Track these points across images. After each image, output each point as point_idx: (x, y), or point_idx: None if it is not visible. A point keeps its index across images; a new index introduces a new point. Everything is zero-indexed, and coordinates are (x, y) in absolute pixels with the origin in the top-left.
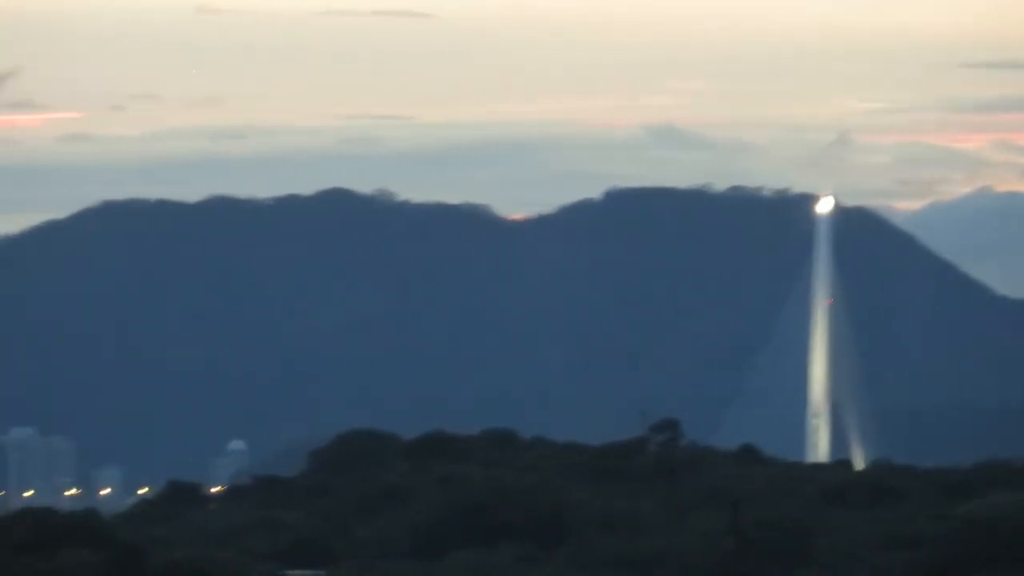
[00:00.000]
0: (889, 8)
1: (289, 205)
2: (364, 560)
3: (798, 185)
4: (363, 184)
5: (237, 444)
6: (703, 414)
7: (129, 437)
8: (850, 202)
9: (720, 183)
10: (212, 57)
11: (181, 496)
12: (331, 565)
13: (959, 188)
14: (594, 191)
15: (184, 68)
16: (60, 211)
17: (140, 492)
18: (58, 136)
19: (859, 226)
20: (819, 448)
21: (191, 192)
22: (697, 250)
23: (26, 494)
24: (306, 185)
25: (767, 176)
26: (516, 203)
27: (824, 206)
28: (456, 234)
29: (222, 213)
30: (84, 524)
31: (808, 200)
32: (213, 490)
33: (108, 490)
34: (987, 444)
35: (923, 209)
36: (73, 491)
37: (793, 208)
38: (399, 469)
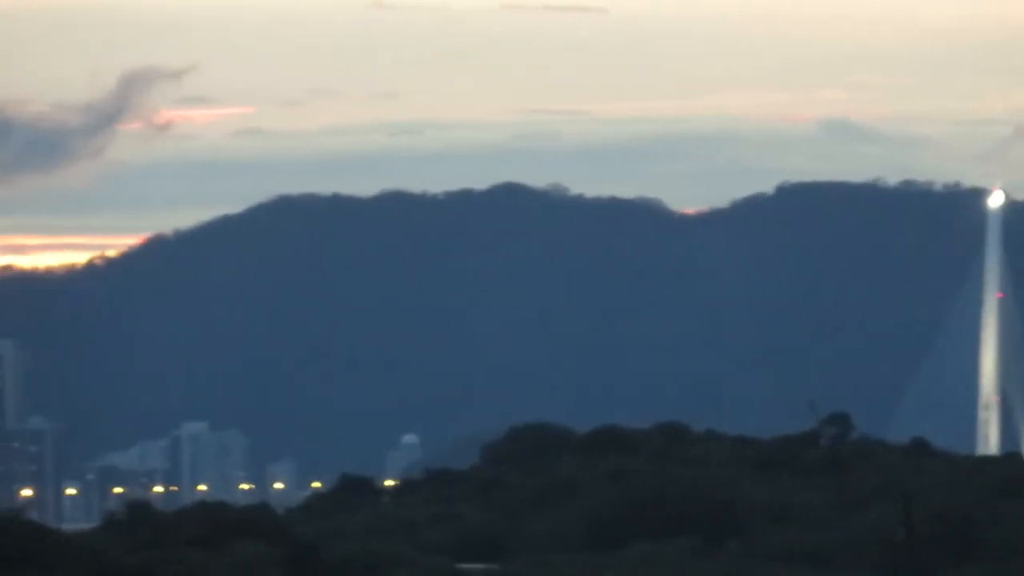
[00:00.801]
0: None
1: (463, 200)
2: (537, 554)
3: (970, 179)
4: (537, 179)
5: (410, 438)
6: (874, 407)
7: (302, 431)
8: (1022, 196)
9: (892, 177)
10: (387, 52)
11: (354, 490)
12: (504, 559)
13: None
14: (767, 185)
15: (359, 63)
16: (234, 206)
17: (313, 486)
18: (232, 131)
19: None
20: (989, 441)
21: (366, 187)
22: (868, 244)
23: (199, 488)
24: (480, 180)
25: (939, 170)
26: (689, 197)
27: (995, 200)
28: (629, 228)
29: (396, 208)
30: (257, 518)
31: (980, 194)
32: (386, 484)
33: (281, 484)
34: None
35: None
36: (246, 485)
37: (964, 202)
38: (571, 463)
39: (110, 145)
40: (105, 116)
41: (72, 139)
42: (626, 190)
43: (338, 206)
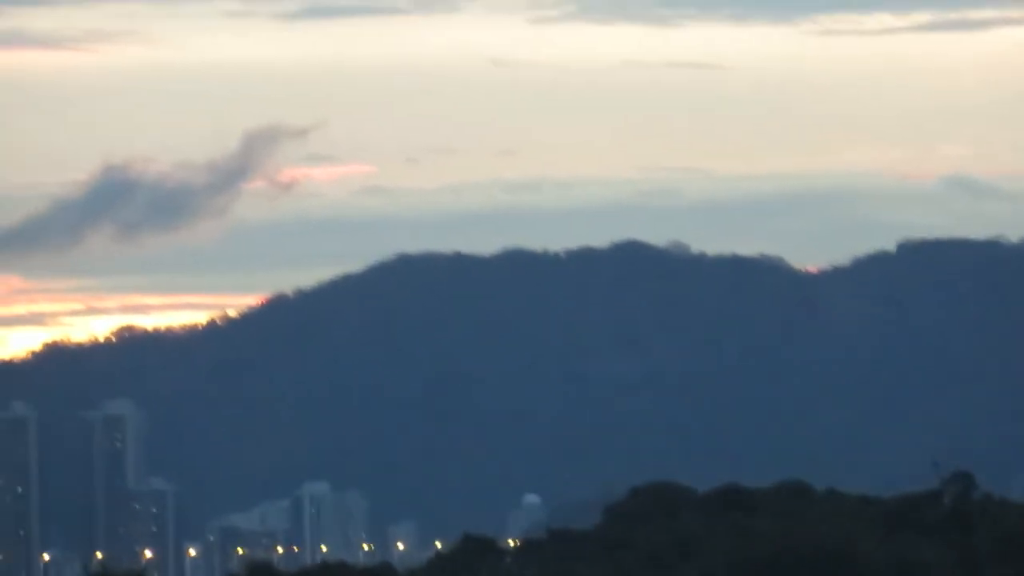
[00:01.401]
0: None
1: (584, 257)
2: None
3: None
4: (658, 236)
5: (532, 497)
6: (998, 465)
7: (423, 491)
8: None
9: (1014, 234)
10: (507, 109)
11: (476, 550)
12: None
13: None
14: (888, 242)
15: (479, 120)
16: (355, 264)
17: (435, 546)
18: (354, 189)
19: None
20: None
21: (486, 245)
22: (990, 301)
23: (321, 549)
24: (601, 237)
25: None
26: (811, 254)
27: None
28: (751, 285)
29: (517, 266)
30: None
31: None
32: (508, 544)
33: (402, 545)
34: None
35: None
36: (367, 546)
37: None
38: (693, 522)
39: (233, 204)
40: (229, 175)
41: (195, 198)
42: (747, 247)
43: (459, 264)
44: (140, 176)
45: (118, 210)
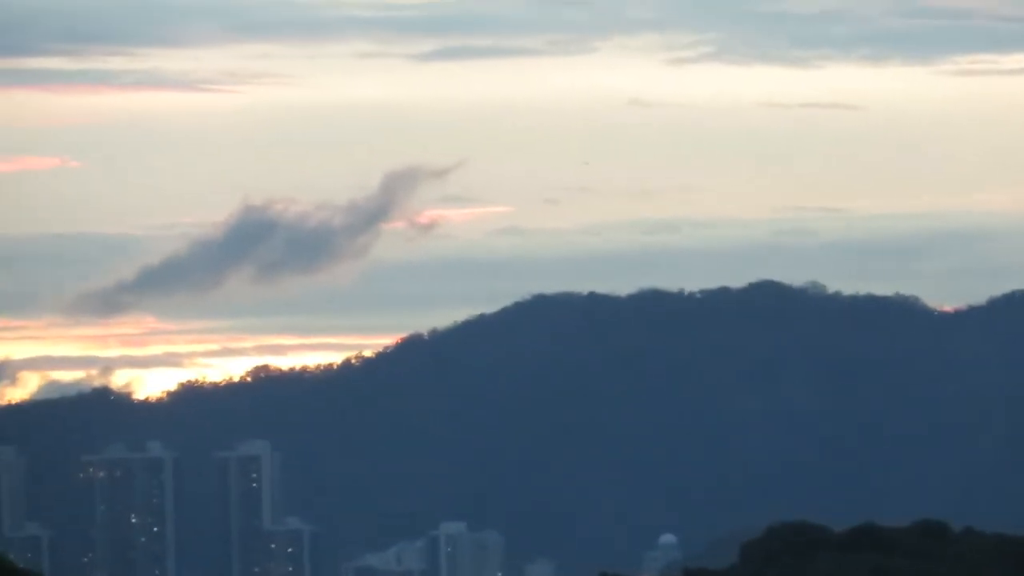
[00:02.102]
0: None
1: (720, 298)
2: None
3: None
4: (794, 276)
5: (668, 537)
6: None
7: (559, 530)
8: None
9: None
10: (644, 149)
11: None
12: None
13: None
14: None
15: (617, 160)
16: (490, 305)
17: None
18: (491, 230)
19: None
20: None
21: (622, 285)
22: None
23: None
24: (737, 278)
25: None
26: (946, 294)
27: None
28: (886, 325)
29: (653, 306)
30: None
31: None
32: None
33: None
34: None
35: None
36: None
37: None
38: (830, 562)
39: (373, 245)
40: (369, 215)
41: (335, 239)
42: (883, 287)
43: (594, 305)
44: (280, 216)
45: (257, 250)
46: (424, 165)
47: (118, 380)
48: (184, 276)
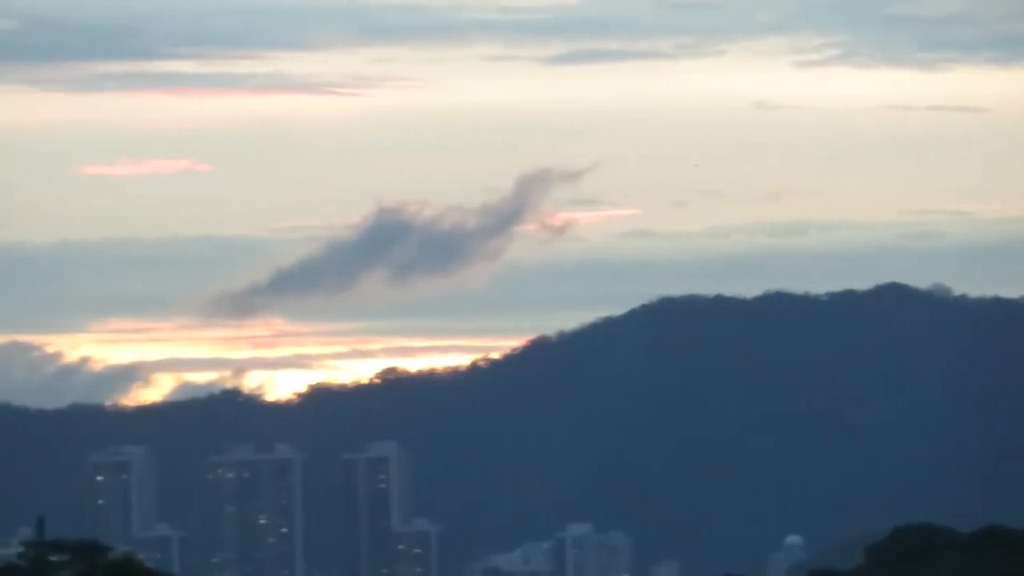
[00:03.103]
0: None
1: (845, 300)
2: None
3: None
4: (920, 279)
5: (794, 539)
6: None
7: (685, 532)
8: None
9: None
10: (772, 152)
11: None
12: None
13: None
14: None
15: (744, 163)
16: (618, 307)
17: None
18: (620, 232)
19: None
20: None
21: (749, 288)
22: None
23: None
24: (863, 280)
25: None
26: None
27: None
28: (1013, 327)
29: (778, 309)
30: None
31: None
32: None
33: None
34: None
35: None
36: None
37: None
38: (956, 564)
39: (506, 247)
40: (502, 218)
41: (467, 241)
42: (1010, 290)
43: (720, 307)
44: (413, 219)
45: (391, 253)
46: (557, 168)
47: (250, 382)
48: (317, 278)
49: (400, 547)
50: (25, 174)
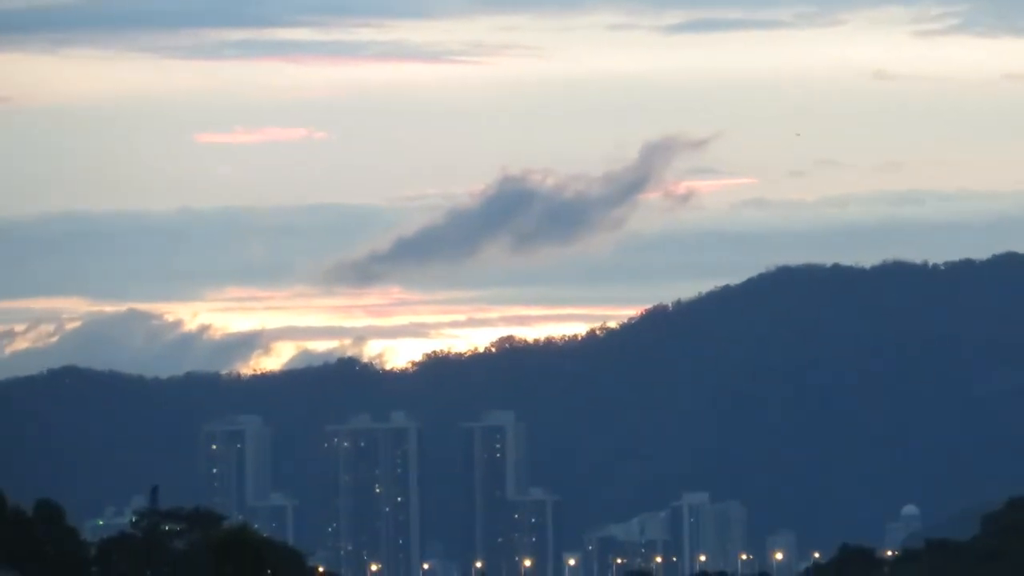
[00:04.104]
0: None
1: (963, 269)
2: None
3: None
4: None
5: (910, 508)
6: None
7: (801, 502)
8: None
9: None
10: (890, 122)
11: (853, 561)
12: None
13: None
14: None
15: (863, 134)
16: (735, 277)
17: (813, 556)
18: (737, 201)
19: None
20: None
21: (866, 257)
22: None
23: (699, 559)
24: (982, 250)
25: None
26: None
27: None
28: None
29: (895, 278)
30: None
31: None
32: (886, 555)
33: (780, 555)
34: None
35: None
36: (745, 556)
37: None
38: None
39: (629, 216)
40: (625, 187)
41: (591, 209)
42: None
43: (837, 276)
44: (538, 187)
45: (514, 221)
46: (681, 136)
47: (370, 351)
48: (439, 247)
49: (516, 516)
50: (145, 142)
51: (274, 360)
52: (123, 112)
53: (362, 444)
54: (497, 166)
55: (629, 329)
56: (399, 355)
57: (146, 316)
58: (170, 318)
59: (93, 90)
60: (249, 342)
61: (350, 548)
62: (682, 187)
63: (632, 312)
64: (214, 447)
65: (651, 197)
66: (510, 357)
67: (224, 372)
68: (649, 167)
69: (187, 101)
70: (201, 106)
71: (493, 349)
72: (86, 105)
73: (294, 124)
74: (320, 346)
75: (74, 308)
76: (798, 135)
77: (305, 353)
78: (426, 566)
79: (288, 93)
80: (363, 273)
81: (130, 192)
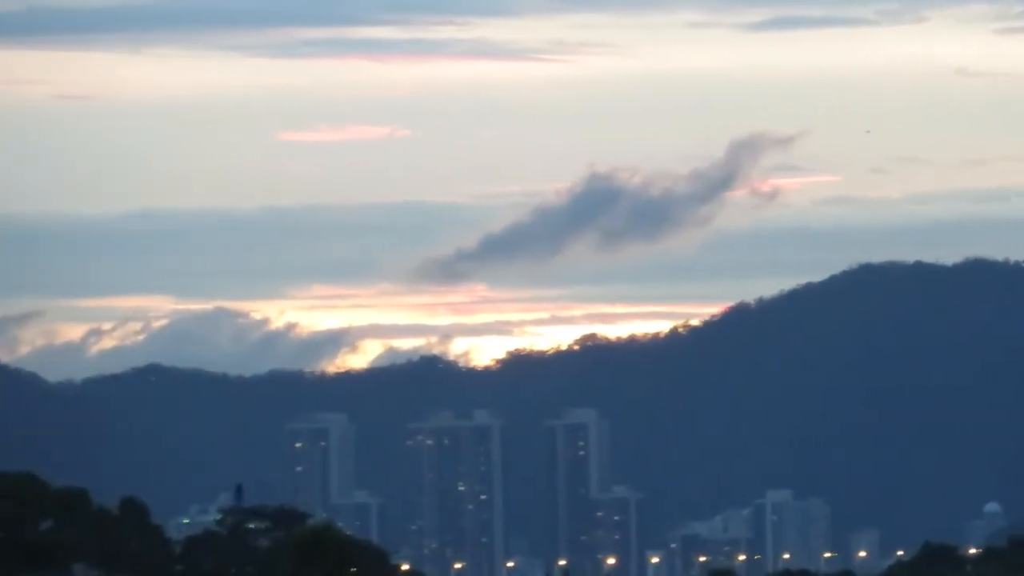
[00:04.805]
0: None
1: None
2: None
3: None
4: None
5: (993, 506)
6: None
7: (885, 500)
8: None
9: None
10: (973, 119)
11: (936, 559)
12: None
13: None
14: None
15: (946, 130)
16: (817, 274)
17: (897, 555)
18: (819, 199)
19: None
20: None
21: (949, 254)
22: None
23: (783, 557)
24: None
25: None
26: None
27: None
28: None
29: (978, 276)
30: None
31: None
32: (969, 552)
33: (864, 553)
34: None
35: None
36: (829, 554)
37: None
38: None
39: (717, 214)
40: (712, 184)
41: (677, 207)
42: None
43: (920, 274)
44: (625, 185)
45: (601, 219)
46: (768, 133)
47: (455, 349)
48: (525, 245)
49: (599, 514)
50: (228, 140)
51: (360, 358)
52: (206, 111)
53: (445, 442)
54: (582, 164)
55: (711, 327)
56: (483, 353)
57: (233, 314)
58: (257, 316)
59: (175, 89)
60: (335, 340)
61: (434, 546)
62: (768, 185)
63: (715, 310)
64: (298, 445)
65: (737, 195)
66: (593, 355)
67: (308, 370)
68: (736, 165)
69: (270, 100)
70: (284, 105)
71: (576, 347)
72: (168, 104)
73: (377, 122)
74: (405, 344)
75: (160, 307)
76: (868, 132)
77: (390, 351)
78: (510, 564)
79: (371, 91)
80: (448, 271)
81: (213, 190)
